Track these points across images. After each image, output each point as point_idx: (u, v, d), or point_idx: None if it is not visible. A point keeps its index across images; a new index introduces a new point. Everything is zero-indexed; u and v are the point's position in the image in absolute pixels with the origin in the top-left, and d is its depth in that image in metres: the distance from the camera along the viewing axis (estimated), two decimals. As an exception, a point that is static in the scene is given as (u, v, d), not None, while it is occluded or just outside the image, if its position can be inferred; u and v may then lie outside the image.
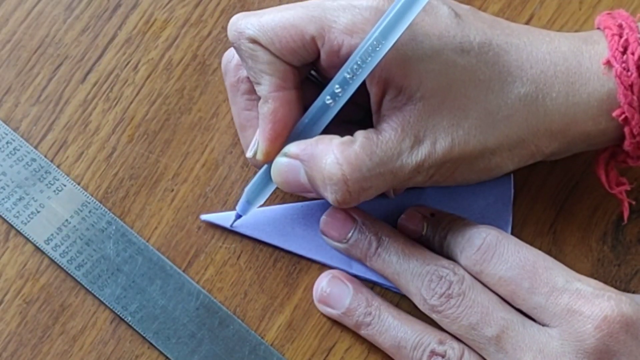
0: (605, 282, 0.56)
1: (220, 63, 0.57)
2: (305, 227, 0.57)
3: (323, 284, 0.56)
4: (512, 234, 0.57)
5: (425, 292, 0.52)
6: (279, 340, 0.56)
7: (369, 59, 0.49)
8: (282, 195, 0.58)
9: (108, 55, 0.60)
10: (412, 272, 0.53)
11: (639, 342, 0.49)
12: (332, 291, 0.56)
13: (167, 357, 0.56)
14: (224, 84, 0.57)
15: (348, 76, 0.50)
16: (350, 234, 0.55)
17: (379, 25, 0.49)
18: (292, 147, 0.52)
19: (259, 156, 0.53)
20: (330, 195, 0.51)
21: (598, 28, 0.54)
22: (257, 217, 0.57)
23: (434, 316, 0.52)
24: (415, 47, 0.50)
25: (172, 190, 0.58)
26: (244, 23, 0.51)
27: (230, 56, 0.55)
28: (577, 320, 0.49)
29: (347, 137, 0.51)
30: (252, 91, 0.54)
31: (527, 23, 0.60)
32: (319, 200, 0.57)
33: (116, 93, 0.59)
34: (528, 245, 0.52)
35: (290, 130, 0.53)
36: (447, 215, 0.56)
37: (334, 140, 0.51)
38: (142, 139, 0.59)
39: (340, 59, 0.51)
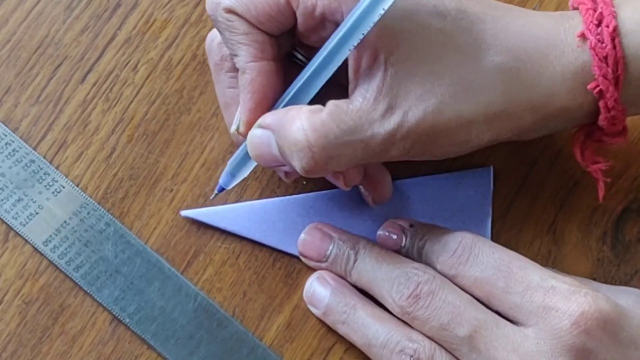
0: (605, 282, 0.57)
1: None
2: (285, 222, 0.57)
3: (309, 284, 0.56)
4: (512, 234, 0.58)
5: (395, 294, 0.52)
6: (278, 340, 0.56)
7: (363, 23, 0.48)
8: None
9: (108, 55, 0.60)
10: (384, 277, 0.53)
11: (615, 339, 0.49)
12: (314, 291, 0.56)
13: (165, 359, 0.56)
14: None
15: (338, 41, 0.49)
16: (329, 252, 0.56)
17: None
18: (265, 117, 0.51)
19: (241, 128, 0.52)
20: (297, 163, 0.50)
21: (573, 8, 0.54)
22: (238, 212, 0.57)
23: (404, 318, 0.52)
24: (391, 7, 0.49)
25: (172, 190, 0.58)
26: None
27: (214, 35, 0.55)
28: (553, 316, 0.49)
29: (317, 106, 0.50)
30: (235, 69, 0.53)
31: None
32: (299, 195, 0.57)
33: (116, 93, 0.59)
34: (503, 247, 0.52)
35: (272, 102, 0.52)
36: (426, 225, 0.56)
37: (303, 109, 0.50)
38: (142, 139, 0.59)
39: (315, 21, 0.50)
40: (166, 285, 0.56)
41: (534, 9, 0.61)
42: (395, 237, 0.55)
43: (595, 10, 0.51)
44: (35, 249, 0.57)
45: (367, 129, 0.49)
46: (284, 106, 0.51)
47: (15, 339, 0.56)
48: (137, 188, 0.58)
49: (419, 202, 0.57)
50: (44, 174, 0.58)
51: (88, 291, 0.56)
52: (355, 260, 0.55)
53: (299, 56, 0.55)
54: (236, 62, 0.52)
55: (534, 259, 0.52)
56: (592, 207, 0.58)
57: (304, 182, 0.58)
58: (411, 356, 0.51)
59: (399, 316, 0.52)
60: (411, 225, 0.55)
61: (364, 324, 0.53)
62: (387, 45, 0.49)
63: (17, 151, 0.58)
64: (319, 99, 0.51)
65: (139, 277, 0.56)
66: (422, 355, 0.51)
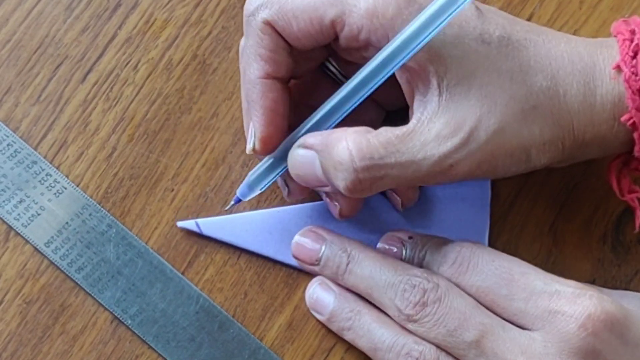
0: (606, 283, 0.57)
1: (220, 62, 0.57)
2: (282, 233, 0.57)
3: (311, 289, 0.56)
4: (512, 234, 0.58)
5: (399, 302, 0.52)
6: (279, 340, 0.56)
7: (407, 49, 0.49)
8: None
9: (108, 55, 0.60)
10: (385, 283, 0.53)
11: (622, 340, 0.49)
12: (318, 297, 0.56)
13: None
14: (224, 83, 0.57)
15: (379, 65, 0.50)
16: (320, 254, 0.55)
17: (420, 17, 0.48)
18: (309, 138, 0.51)
19: (257, 145, 0.52)
20: (340, 183, 0.50)
21: (614, 34, 0.54)
22: (234, 223, 0.57)
23: (409, 326, 0.52)
24: (437, 34, 0.49)
25: (172, 190, 0.58)
26: (265, 1, 0.51)
27: None
28: (559, 320, 0.49)
29: (364, 127, 0.50)
30: None
31: (527, 23, 0.60)
32: (296, 206, 0.57)
33: (116, 93, 0.59)
34: (503, 254, 0.52)
35: (283, 118, 0.52)
36: (425, 236, 0.55)
37: (349, 130, 0.50)
38: (142, 139, 0.59)
39: (359, 43, 0.50)
40: (168, 288, 0.56)
41: (533, 8, 0.60)
42: (395, 249, 0.55)
43: (631, 42, 0.51)
44: (36, 249, 0.57)
45: (417, 151, 0.49)
46: (322, 117, 0.52)
47: (16, 339, 0.56)
48: (137, 188, 0.58)
49: (416, 213, 0.57)
50: (46, 175, 0.58)
51: (90, 292, 0.56)
52: (347, 264, 0.55)
53: (332, 68, 0.55)
54: (248, 73, 0.52)
55: (534, 260, 0.52)
56: (592, 208, 0.58)
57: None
58: (417, 358, 0.51)
59: (402, 324, 0.52)
60: (410, 237, 0.55)
61: (369, 329, 0.53)
62: (439, 70, 0.49)
63: (19, 152, 0.58)
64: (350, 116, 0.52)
65: (141, 279, 0.56)
66: (428, 357, 0.51)
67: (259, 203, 0.58)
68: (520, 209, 0.58)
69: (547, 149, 0.51)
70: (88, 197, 0.57)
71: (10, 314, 0.56)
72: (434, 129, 0.49)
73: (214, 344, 0.56)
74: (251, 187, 0.55)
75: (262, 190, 0.55)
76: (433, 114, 0.49)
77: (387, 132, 0.50)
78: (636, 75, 0.51)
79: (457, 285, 0.51)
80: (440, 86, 0.49)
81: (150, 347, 0.56)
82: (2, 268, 0.57)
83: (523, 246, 0.58)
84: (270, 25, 0.50)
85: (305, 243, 0.56)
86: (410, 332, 0.52)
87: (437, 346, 0.51)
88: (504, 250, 0.52)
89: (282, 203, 0.58)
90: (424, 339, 0.51)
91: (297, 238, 0.56)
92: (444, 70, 0.49)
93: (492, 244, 0.57)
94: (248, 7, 0.51)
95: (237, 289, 0.57)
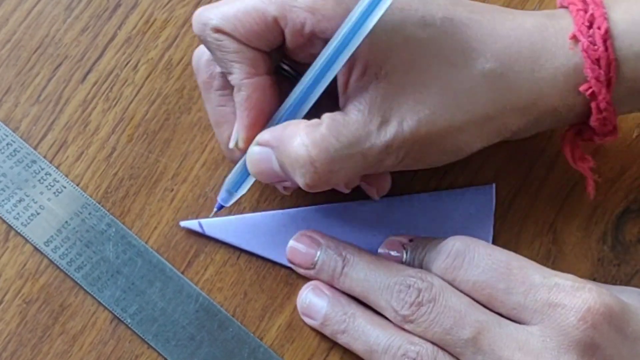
0: (605, 282, 0.57)
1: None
2: (283, 235, 0.57)
3: (304, 295, 0.56)
4: (512, 234, 0.58)
5: (395, 303, 0.52)
6: (278, 340, 0.56)
7: (353, 38, 0.49)
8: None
9: (108, 55, 0.60)
10: (380, 285, 0.53)
11: (621, 334, 0.49)
12: (310, 302, 0.56)
13: (166, 359, 0.56)
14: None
15: (330, 57, 0.50)
16: (316, 258, 0.55)
17: (360, 5, 0.48)
18: (264, 135, 0.52)
19: (240, 144, 0.52)
20: (300, 179, 0.50)
21: (562, 6, 0.54)
22: (236, 224, 0.57)
23: (407, 326, 0.51)
24: (378, 21, 0.49)
25: (172, 190, 0.58)
26: (207, 14, 0.51)
27: (200, 53, 0.55)
28: (559, 313, 0.49)
29: (314, 120, 0.50)
30: (224, 86, 0.54)
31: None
32: (299, 209, 0.58)
33: (116, 93, 0.59)
34: (499, 247, 0.52)
35: (268, 117, 0.52)
36: (425, 238, 0.55)
37: (301, 124, 0.50)
38: (142, 139, 0.59)
39: (304, 38, 0.50)
40: (167, 286, 0.56)
41: (534, 8, 0.60)
42: (396, 254, 0.55)
43: (586, 12, 0.51)
44: (36, 249, 0.57)
45: (364, 141, 0.50)
46: (283, 116, 0.52)
47: (16, 339, 0.56)
48: (137, 188, 0.58)
49: (420, 220, 0.57)
50: (46, 174, 0.58)
51: (89, 292, 0.56)
52: (343, 267, 0.55)
53: (286, 67, 0.55)
54: (230, 80, 0.52)
55: (533, 259, 0.52)
56: (592, 207, 0.58)
57: (303, 195, 0.58)
58: (414, 359, 0.51)
59: (399, 324, 0.52)
60: (411, 240, 0.55)
61: (364, 332, 0.53)
62: (376, 59, 0.50)
63: (19, 152, 0.58)
64: (310, 111, 0.52)
65: (140, 278, 0.56)
66: (424, 357, 0.51)
67: (258, 204, 0.58)
68: (520, 208, 0.58)
69: (481, 132, 0.52)
70: (87, 196, 0.57)
71: (10, 314, 0.56)
72: (374, 119, 0.50)
73: (213, 342, 0.56)
74: (231, 191, 0.55)
75: (244, 192, 0.55)
76: (372, 103, 0.50)
77: (336, 123, 0.50)
78: (594, 44, 0.51)
79: (454, 280, 0.51)
80: (378, 75, 0.50)
81: (150, 346, 0.56)
82: (2, 268, 0.57)
83: (523, 245, 0.58)
84: (221, 31, 0.51)
85: (300, 247, 0.56)
86: (407, 332, 0.52)
87: (435, 345, 0.51)
88: (503, 250, 0.53)
89: (283, 203, 0.58)
90: (422, 338, 0.51)
91: (291, 243, 0.56)
92: (382, 58, 0.50)
93: (492, 244, 0.56)
94: (196, 25, 0.52)
95: (236, 289, 0.57)
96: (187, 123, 0.59)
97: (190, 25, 0.60)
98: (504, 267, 0.50)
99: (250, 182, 0.54)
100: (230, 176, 0.54)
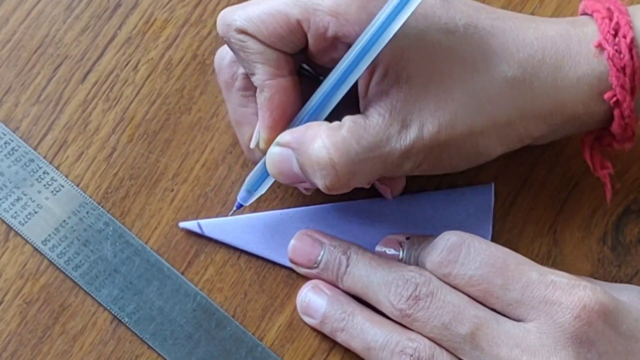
0: (606, 282, 0.56)
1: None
2: (283, 235, 0.57)
3: (303, 294, 0.56)
4: (512, 234, 0.58)
5: (392, 297, 0.52)
6: (279, 340, 0.56)
7: (377, 42, 0.49)
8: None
9: (108, 55, 0.60)
10: (380, 282, 0.53)
11: (616, 331, 0.49)
12: (310, 300, 0.56)
13: (165, 359, 0.56)
14: (221, 83, 0.57)
15: (353, 61, 0.50)
16: (319, 258, 0.56)
17: (386, 9, 0.49)
18: (284, 136, 0.52)
19: (262, 145, 0.53)
20: (319, 182, 0.51)
21: (584, 13, 0.54)
22: (236, 224, 0.57)
23: (404, 321, 0.52)
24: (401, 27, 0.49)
25: (172, 190, 0.58)
26: (231, 15, 0.51)
27: (223, 54, 0.55)
28: (555, 311, 0.49)
29: (335, 123, 0.51)
30: (246, 87, 0.54)
31: (527, 23, 0.60)
32: (298, 208, 0.57)
33: (116, 93, 0.59)
34: (494, 243, 0.52)
35: (290, 117, 0.53)
36: (422, 235, 0.56)
37: (322, 126, 0.51)
38: (142, 139, 0.59)
39: (327, 42, 0.50)
40: (165, 285, 0.56)
41: (534, 8, 0.60)
42: (393, 252, 0.55)
43: (611, 20, 0.52)
44: (36, 249, 0.57)
45: (385, 144, 0.50)
46: (305, 117, 0.52)
47: (16, 339, 0.56)
48: (137, 188, 0.58)
49: (419, 218, 0.57)
50: (43, 172, 0.58)
51: (87, 290, 0.56)
52: (347, 266, 0.55)
53: (307, 68, 0.56)
54: (254, 80, 0.52)
55: (534, 259, 0.52)
56: (593, 208, 0.58)
57: (302, 195, 0.58)
58: (411, 355, 0.51)
59: (397, 320, 0.52)
60: (407, 238, 0.55)
61: (362, 329, 0.53)
62: (397, 64, 0.50)
63: (16, 150, 0.58)
64: (331, 113, 0.52)
65: (138, 276, 0.56)
66: (422, 353, 0.51)
67: (258, 204, 0.58)
68: (520, 209, 0.58)
69: (501, 138, 0.52)
70: (85, 195, 0.57)
71: (10, 314, 0.56)
72: (395, 123, 0.50)
73: (211, 341, 0.56)
74: (250, 191, 0.55)
75: (263, 192, 0.55)
76: (393, 107, 0.50)
77: (357, 126, 0.50)
78: (619, 53, 0.51)
79: (449, 274, 0.51)
80: (400, 79, 0.50)
81: (149, 347, 0.56)
82: (2, 268, 0.57)
83: (523, 246, 0.58)
84: (245, 32, 0.51)
85: (303, 247, 0.56)
86: (405, 329, 0.52)
87: (432, 341, 0.51)
88: (503, 250, 0.52)
89: (282, 204, 0.58)
90: (419, 333, 0.51)
91: (293, 242, 0.57)
92: (404, 63, 0.50)
93: (492, 243, 0.57)
94: (221, 26, 0.52)
95: (237, 289, 0.57)
96: (187, 123, 0.59)
97: (191, 25, 0.60)
98: (501, 263, 0.50)
99: (269, 182, 0.55)
100: (250, 175, 0.55)
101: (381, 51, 0.49)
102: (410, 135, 0.50)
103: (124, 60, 0.60)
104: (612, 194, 0.56)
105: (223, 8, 0.59)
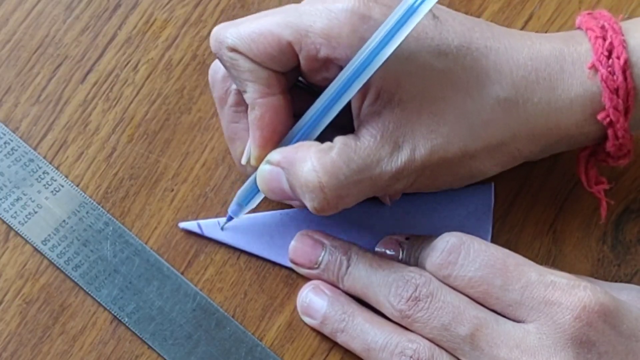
0: (606, 282, 0.56)
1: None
2: (283, 236, 0.57)
3: (304, 294, 0.56)
4: (512, 234, 0.58)
5: (392, 298, 0.52)
6: (279, 340, 0.56)
7: (369, 65, 0.49)
8: (266, 202, 0.58)
9: (108, 55, 0.60)
10: (380, 282, 0.53)
11: (616, 331, 0.49)
12: (310, 301, 0.56)
13: (164, 359, 0.56)
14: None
15: (345, 83, 0.50)
16: (320, 258, 0.56)
17: (379, 34, 0.49)
18: (275, 154, 0.52)
19: (252, 162, 0.53)
20: (308, 203, 0.51)
21: (579, 28, 0.54)
22: (235, 224, 0.57)
23: (404, 322, 0.52)
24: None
25: (172, 190, 0.58)
26: (223, 33, 0.51)
27: (217, 68, 0.55)
28: (555, 311, 0.49)
29: (326, 144, 0.51)
30: (239, 103, 0.54)
31: (526, 23, 0.60)
32: (298, 209, 0.57)
33: (116, 93, 0.59)
34: (493, 244, 0.52)
35: (281, 135, 0.53)
36: (422, 236, 0.56)
37: (312, 148, 0.51)
38: (142, 139, 0.59)
39: (319, 63, 0.51)
40: (165, 285, 0.56)
41: (533, 9, 0.60)
42: (392, 252, 0.55)
43: (604, 39, 0.52)
44: (35, 249, 0.57)
45: (375, 166, 0.50)
46: (296, 141, 0.52)
47: (16, 339, 0.56)
48: (137, 188, 0.58)
49: (419, 218, 0.57)
50: (43, 172, 0.58)
51: (87, 290, 0.56)
52: (347, 267, 0.55)
53: (303, 81, 0.55)
54: (245, 98, 0.52)
55: (534, 259, 0.52)
56: (592, 207, 0.58)
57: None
58: (411, 357, 0.51)
59: (397, 321, 0.52)
60: (407, 239, 0.55)
61: (362, 330, 0.53)
62: (389, 86, 0.50)
63: (16, 150, 0.58)
64: (325, 129, 0.52)
65: (138, 276, 0.56)
66: (422, 355, 0.51)
67: (258, 204, 0.58)
68: (520, 209, 0.58)
69: (495, 159, 0.52)
70: (85, 195, 0.57)
71: (10, 314, 0.56)
72: (386, 146, 0.50)
73: (211, 341, 0.56)
74: (241, 204, 0.55)
75: (254, 206, 0.55)
76: (385, 129, 0.50)
77: (347, 149, 0.50)
78: (613, 74, 0.51)
79: (449, 276, 0.51)
80: (392, 102, 0.50)
81: (149, 347, 0.56)
82: (2, 268, 0.57)
83: (523, 245, 0.58)
84: (236, 50, 0.51)
85: (304, 247, 0.56)
86: (405, 329, 0.52)
87: (432, 341, 0.51)
88: (503, 250, 0.52)
89: (282, 204, 0.58)
90: (419, 334, 0.51)
91: (294, 243, 0.57)
92: (395, 86, 0.50)
93: (492, 243, 0.56)
94: (213, 43, 0.52)
95: (236, 289, 0.57)
96: (187, 123, 0.59)
97: (191, 25, 0.60)
98: (501, 264, 0.50)
99: (260, 197, 0.55)
100: (241, 190, 0.55)
101: (373, 74, 0.49)
102: (401, 158, 0.50)
103: (124, 60, 0.60)
104: (629, 212, 0.57)
105: (223, 9, 0.60)
